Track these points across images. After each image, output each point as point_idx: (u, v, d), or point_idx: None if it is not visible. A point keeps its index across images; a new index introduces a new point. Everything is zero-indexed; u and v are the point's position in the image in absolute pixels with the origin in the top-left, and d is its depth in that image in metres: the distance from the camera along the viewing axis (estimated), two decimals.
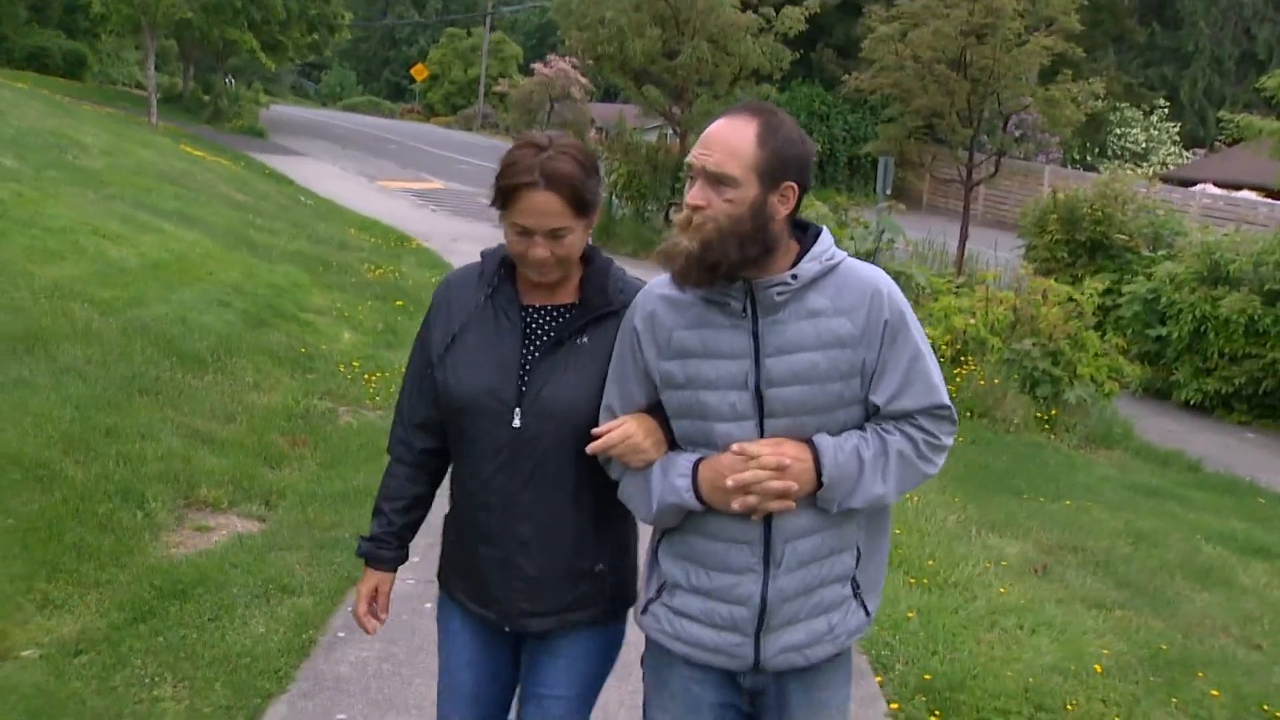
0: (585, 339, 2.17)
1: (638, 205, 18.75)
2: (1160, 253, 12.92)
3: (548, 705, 2.31)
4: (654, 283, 2.12)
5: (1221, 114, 15.48)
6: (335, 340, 8.57)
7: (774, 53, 17.94)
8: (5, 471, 4.59)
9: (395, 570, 2.41)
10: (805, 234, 2.07)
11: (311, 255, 11.61)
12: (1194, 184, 26.48)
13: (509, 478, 2.17)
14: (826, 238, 2.06)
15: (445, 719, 2.40)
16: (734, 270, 1.96)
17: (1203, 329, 11.40)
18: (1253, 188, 23.99)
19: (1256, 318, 10.99)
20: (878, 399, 2.03)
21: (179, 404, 6.07)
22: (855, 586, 2.12)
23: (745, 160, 1.94)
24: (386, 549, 2.36)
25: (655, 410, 2.11)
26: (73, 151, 12.83)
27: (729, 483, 1.96)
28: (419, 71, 61.31)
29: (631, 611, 2.30)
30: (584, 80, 52.43)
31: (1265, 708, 4.18)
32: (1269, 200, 22.84)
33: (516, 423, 2.15)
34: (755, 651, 2.08)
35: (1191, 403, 11.61)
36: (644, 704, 2.28)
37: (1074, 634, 4.70)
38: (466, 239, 16.22)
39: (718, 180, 1.95)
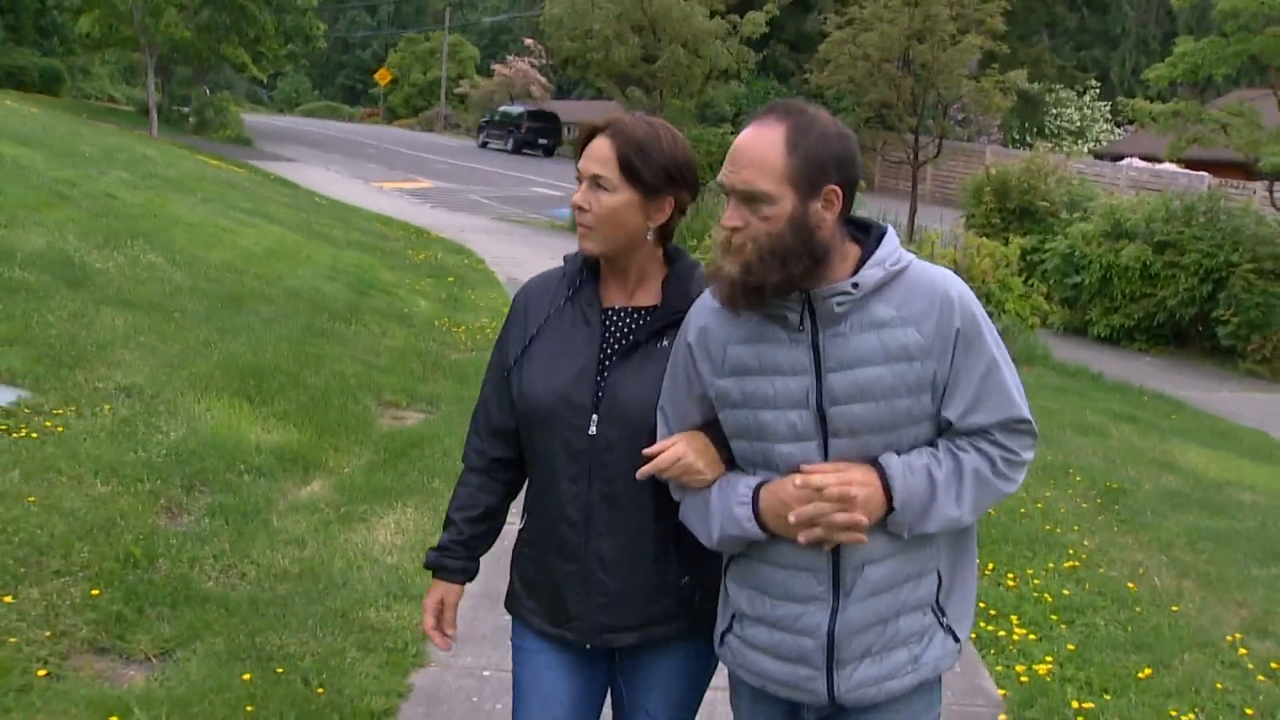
0: (664, 342, 2.08)
1: None
2: (1076, 215, 15.37)
3: None
4: (707, 294, 1.98)
5: (1119, 100, 17.96)
6: (416, 306, 10.75)
7: (740, 54, 20.33)
8: (274, 376, 6.79)
9: (463, 585, 2.32)
10: (868, 235, 1.92)
11: (368, 244, 13.79)
12: (1123, 158, 29.28)
13: (587, 488, 2.09)
14: (891, 240, 1.90)
15: None
16: (781, 289, 1.82)
17: (1108, 275, 13.85)
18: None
19: (1149, 263, 13.52)
20: (950, 414, 1.88)
21: (343, 343, 8.27)
22: (940, 613, 1.98)
23: (775, 172, 1.79)
24: (454, 559, 2.28)
25: (711, 427, 1.99)
26: (149, 165, 14.88)
27: (791, 518, 1.84)
28: (382, 76, 63.19)
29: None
30: (542, 79, 54.67)
31: (1107, 484, 6.59)
32: (1187, 170, 25.56)
33: (593, 430, 2.07)
34: (828, 685, 1.94)
35: (1102, 336, 14.08)
36: None
37: None
38: (471, 230, 18.37)
39: (750, 199, 1.81)
